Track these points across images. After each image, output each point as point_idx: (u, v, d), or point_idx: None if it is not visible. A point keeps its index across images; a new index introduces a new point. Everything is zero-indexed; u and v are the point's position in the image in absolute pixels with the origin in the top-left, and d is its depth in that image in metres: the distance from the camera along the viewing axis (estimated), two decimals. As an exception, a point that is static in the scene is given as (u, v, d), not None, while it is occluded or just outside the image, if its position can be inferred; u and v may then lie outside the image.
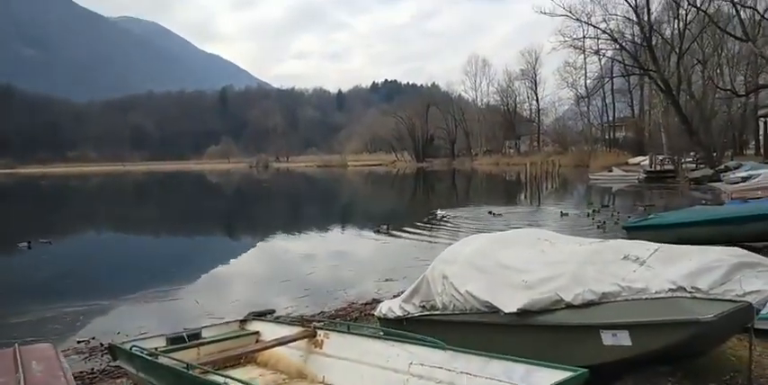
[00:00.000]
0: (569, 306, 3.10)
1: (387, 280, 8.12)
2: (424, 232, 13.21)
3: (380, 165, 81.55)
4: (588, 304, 3.07)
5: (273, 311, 6.32)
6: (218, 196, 35.04)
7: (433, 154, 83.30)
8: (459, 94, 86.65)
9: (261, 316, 4.66)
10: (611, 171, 33.86)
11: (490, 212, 15.89)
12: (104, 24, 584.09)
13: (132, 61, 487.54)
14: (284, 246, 13.07)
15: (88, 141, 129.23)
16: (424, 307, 3.83)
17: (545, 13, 35.03)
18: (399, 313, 3.99)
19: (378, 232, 13.31)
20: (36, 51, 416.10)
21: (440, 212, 15.89)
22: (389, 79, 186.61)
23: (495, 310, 3.31)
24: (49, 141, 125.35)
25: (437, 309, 3.71)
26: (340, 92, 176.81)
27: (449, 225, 14.09)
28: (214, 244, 14.78)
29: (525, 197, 26.24)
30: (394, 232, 13.06)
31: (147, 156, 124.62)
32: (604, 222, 12.84)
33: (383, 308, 4.24)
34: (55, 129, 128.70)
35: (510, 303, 3.24)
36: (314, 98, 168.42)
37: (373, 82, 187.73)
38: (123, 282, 9.35)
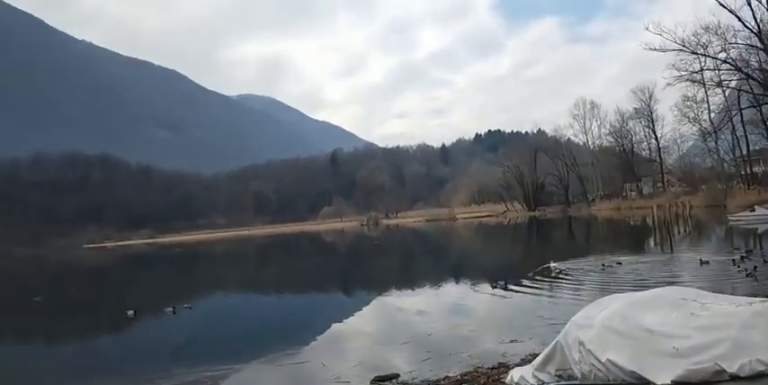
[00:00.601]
0: (734, 378, 2.72)
1: (511, 341, 7.72)
2: (545, 287, 12.54)
3: (490, 215, 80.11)
4: (758, 376, 2.68)
5: (398, 375, 6.23)
6: (334, 255, 36.18)
7: (545, 201, 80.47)
8: (569, 138, 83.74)
9: (386, 380, 4.60)
10: (753, 210, 30.15)
11: (618, 263, 14.74)
12: (227, 103, 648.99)
13: (252, 134, 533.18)
14: (399, 304, 13.02)
15: (216, 210, 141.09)
16: (560, 376, 3.54)
17: (656, 50, 33.53)
18: (533, 382, 3.72)
19: (494, 287, 12.86)
20: (169, 133, 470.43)
21: (559, 265, 15.06)
22: (492, 129, 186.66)
23: (644, 382, 2.97)
24: (183, 212, 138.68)
25: (575, 379, 3.40)
26: (443, 146, 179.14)
27: (570, 278, 13.27)
28: (332, 302, 15.13)
29: (655, 243, 24.16)
30: (512, 287, 12.55)
31: (268, 220, 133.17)
32: (755, 269, 11.37)
33: (515, 376, 3.99)
34: (188, 200, 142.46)
35: (662, 374, 2.89)
36: (418, 154, 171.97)
37: (476, 133, 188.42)
38: (255, 343, 9.83)
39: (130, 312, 13.76)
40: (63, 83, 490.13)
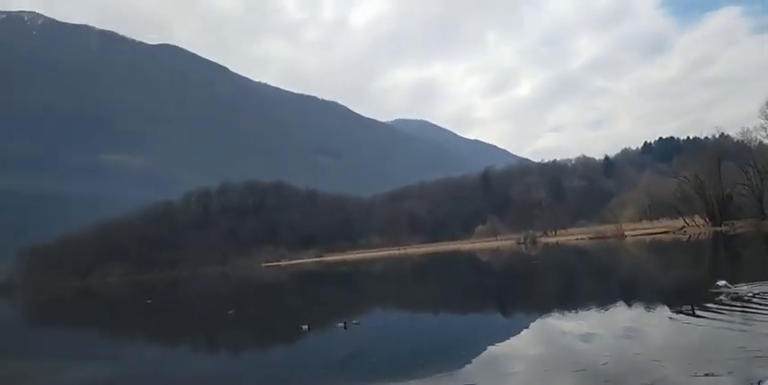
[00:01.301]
0: None
1: (706, 374, 6.81)
2: (741, 313, 10.90)
3: (666, 232, 72.24)
4: None
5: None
6: (489, 274, 35.42)
7: (733, 215, 70.40)
8: (760, 142, 72.76)
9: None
10: None
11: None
12: (382, 128, 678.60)
13: (406, 156, 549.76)
14: (562, 327, 12.22)
15: (374, 230, 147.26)
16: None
17: None
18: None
19: (679, 312, 11.50)
20: (331, 159, 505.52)
21: (757, 288, 13.02)
22: (664, 136, 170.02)
23: None
24: (345, 232, 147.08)
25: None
26: (606, 157, 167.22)
27: (774, 304, 11.39)
28: (489, 323, 14.76)
29: None
30: (701, 313, 11.12)
31: (422, 239, 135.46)
32: None
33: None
34: (349, 221, 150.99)
35: None
36: (578, 168, 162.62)
37: (645, 142, 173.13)
38: (418, 361, 9.98)
39: (305, 326, 14.86)
40: (244, 120, 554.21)
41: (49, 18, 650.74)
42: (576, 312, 13.93)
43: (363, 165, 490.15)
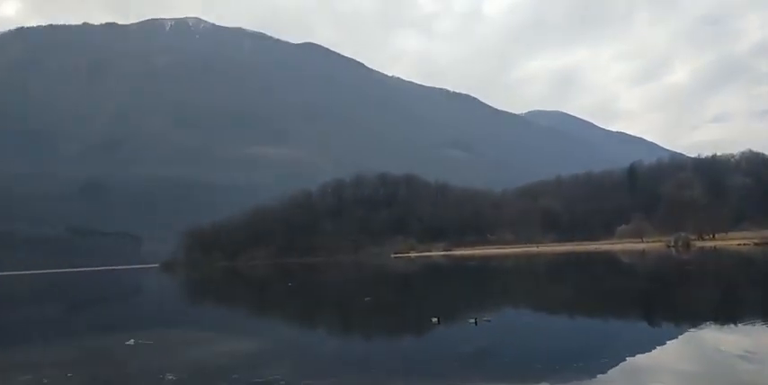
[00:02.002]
0: None
1: None
2: None
3: None
4: None
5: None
6: (633, 278, 32.76)
7: None
8: None
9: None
10: None
11: None
12: (516, 121, 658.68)
13: (541, 150, 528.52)
14: (718, 342, 10.83)
15: (505, 225, 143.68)
16: None
17: None
18: None
19: None
20: (461, 152, 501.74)
21: None
22: None
23: None
24: (474, 227, 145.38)
25: None
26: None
27: None
28: (630, 331, 13.60)
29: None
30: None
31: (557, 237, 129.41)
32: None
33: None
34: (478, 216, 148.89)
35: None
36: (743, 164, 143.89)
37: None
38: (550, 366, 9.53)
39: (435, 319, 14.93)
40: (378, 114, 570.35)
41: (210, 22, 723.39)
42: (737, 326, 12.36)
43: (495, 158, 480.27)
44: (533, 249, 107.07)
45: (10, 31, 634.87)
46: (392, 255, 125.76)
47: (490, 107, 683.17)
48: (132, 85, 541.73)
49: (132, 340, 14.39)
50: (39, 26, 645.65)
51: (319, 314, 21.81)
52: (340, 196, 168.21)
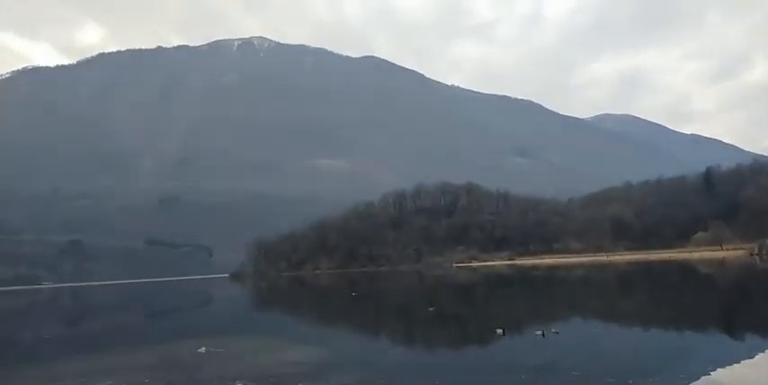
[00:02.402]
0: None
1: None
2: None
3: None
4: None
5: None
6: (712, 289, 30.79)
7: None
8: None
9: None
10: None
11: None
12: (581, 126, 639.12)
13: (608, 155, 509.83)
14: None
15: (571, 234, 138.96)
16: None
17: None
18: None
19: None
20: (525, 159, 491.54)
21: None
22: None
23: None
24: (539, 236, 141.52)
25: None
26: None
27: None
28: (709, 344, 12.80)
29: None
30: None
31: (628, 246, 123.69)
32: None
33: None
34: (543, 225, 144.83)
35: None
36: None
37: None
38: (625, 379, 9.16)
39: (499, 331, 14.65)
40: (438, 123, 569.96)
41: (274, 41, 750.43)
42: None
43: (560, 165, 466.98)
44: (603, 259, 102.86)
45: (93, 58, 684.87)
46: (454, 265, 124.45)
47: (553, 112, 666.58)
48: (202, 103, 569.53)
49: (204, 348, 15.01)
50: (118, 51, 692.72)
51: (383, 323, 21.91)
52: (401, 206, 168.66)
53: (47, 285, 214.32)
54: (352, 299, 36.53)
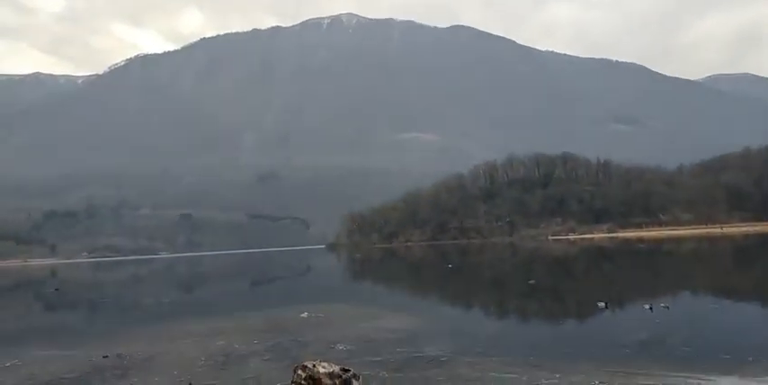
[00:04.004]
0: None
1: None
2: None
3: None
4: None
5: None
6: None
7: None
8: None
9: None
10: None
11: None
12: (691, 88, 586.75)
13: (723, 119, 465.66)
14: None
15: (679, 205, 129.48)
16: None
17: None
18: None
19: None
20: (627, 126, 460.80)
21: None
22: None
23: None
24: (643, 207, 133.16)
25: None
26: None
27: None
28: None
29: None
30: None
31: (745, 217, 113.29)
32: None
33: None
34: (648, 195, 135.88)
35: None
36: None
37: None
38: (744, 356, 8.41)
39: (601, 304, 14.02)
40: (531, 91, 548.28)
41: (362, 16, 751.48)
42: None
43: (667, 130, 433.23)
44: (716, 231, 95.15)
45: (195, 43, 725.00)
46: (549, 238, 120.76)
47: (660, 75, 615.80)
48: (296, 81, 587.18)
49: (306, 313, 15.76)
50: (217, 35, 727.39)
51: (479, 295, 21.78)
52: (492, 178, 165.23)
53: (163, 255, 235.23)
54: (446, 271, 36.65)
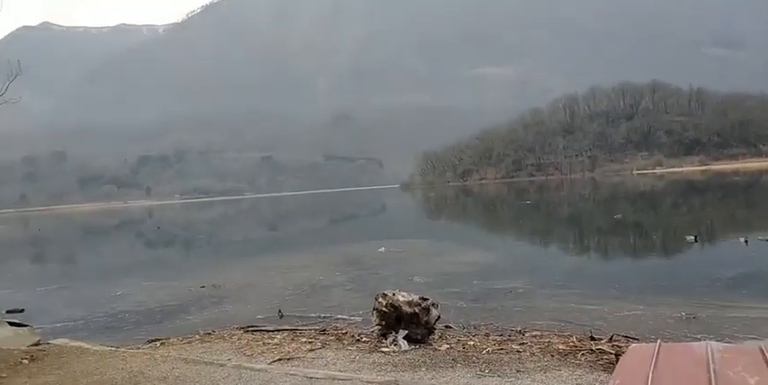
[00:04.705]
0: None
1: None
2: None
3: None
4: None
5: None
6: None
7: None
8: None
9: None
10: None
11: None
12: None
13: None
14: None
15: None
16: None
17: None
18: None
19: None
20: (726, 50, 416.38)
21: None
22: None
23: None
24: (740, 138, 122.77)
25: None
26: None
27: None
28: None
29: None
30: None
31: None
32: None
33: None
34: (746, 125, 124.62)
35: None
36: None
37: None
38: None
39: (690, 237, 13.36)
40: (613, 15, 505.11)
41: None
42: None
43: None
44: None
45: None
46: (634, 172, 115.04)
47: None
48: (367, 18, 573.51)
49: (383, 248, 16.22)
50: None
51: (560, 231, 21.42)
52: (573, 112, 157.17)
53: (248, 196, 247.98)
54: (523, 208, 36.14)
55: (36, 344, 6.76)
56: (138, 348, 6.56)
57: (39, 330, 8.10)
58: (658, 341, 2.87)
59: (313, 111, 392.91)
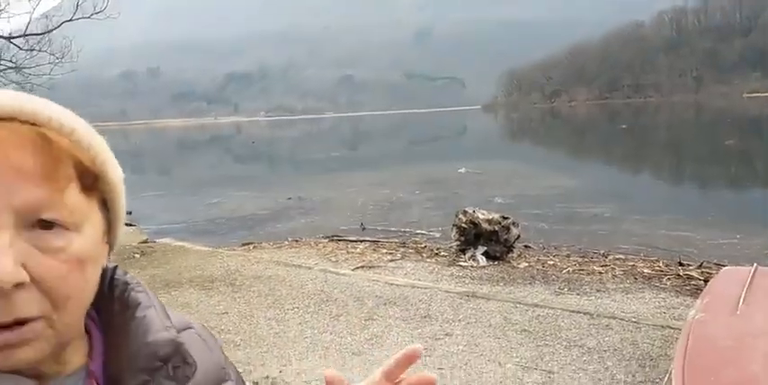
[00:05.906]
0: None
1: None
2: None
3: None
4: None
5: None
6: None
7: None
8: None
9: None
10: None
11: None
12: None
13: None
14: None
15: None
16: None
17: None
18: None
19: None
20: None
21: None
22: None
23: None
24: None
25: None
26: None
27: None
28: None
29: None
30: None
31: None
32: None
33: None
34: None
35: None
36: None
37: None
38: None
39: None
40: None
41: None
42: None
43: None
44: None
45: None
46: (744, 96, 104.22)
47: None
48: None
49: (464, 169, 16.09)
50: None
51: (657, 157, 20.20)
52: (680, 26, 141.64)
53: (328, 115, 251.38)
54: (617, 133, 34.18)
55: (144, 242, 7.53)
56: (234, 250, 7.13)
57: (146, 230, 9.01)
58: (755, 264, 2.72)
59: (393, 27, 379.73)
